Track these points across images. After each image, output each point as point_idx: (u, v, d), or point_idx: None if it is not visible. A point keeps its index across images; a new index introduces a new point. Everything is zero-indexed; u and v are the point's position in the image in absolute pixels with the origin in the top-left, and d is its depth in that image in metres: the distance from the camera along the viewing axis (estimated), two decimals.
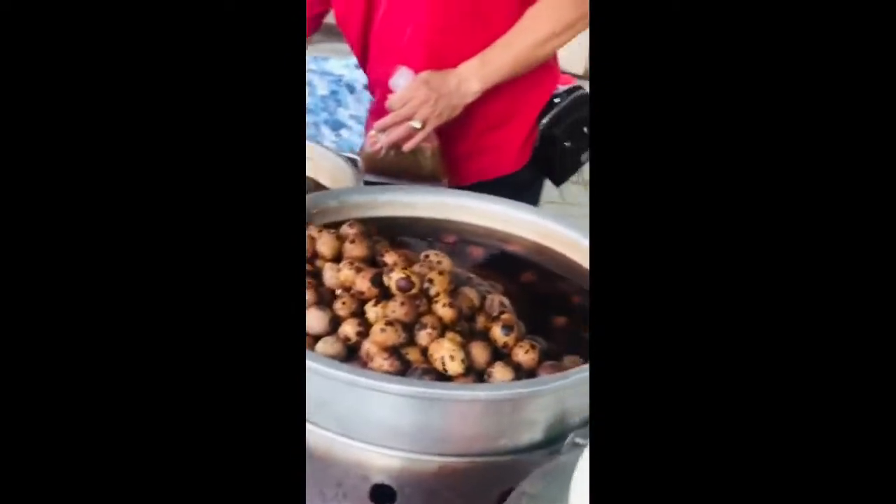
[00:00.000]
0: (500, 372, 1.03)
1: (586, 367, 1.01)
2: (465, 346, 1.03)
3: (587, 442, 1.07)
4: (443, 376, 1.01)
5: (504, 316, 1.08)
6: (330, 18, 1.92)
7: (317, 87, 3.41)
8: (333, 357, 1.02)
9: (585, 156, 1.90)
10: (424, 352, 1.02)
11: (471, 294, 1.11)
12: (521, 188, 1.78)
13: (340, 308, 1.07)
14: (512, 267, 1.30)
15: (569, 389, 1.01)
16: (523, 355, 1.05)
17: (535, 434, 1.04)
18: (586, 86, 1.86)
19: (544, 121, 1.83)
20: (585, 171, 1.85)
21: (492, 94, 1.70)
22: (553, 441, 1.05)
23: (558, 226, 1.32)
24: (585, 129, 1.84)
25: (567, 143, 1.83)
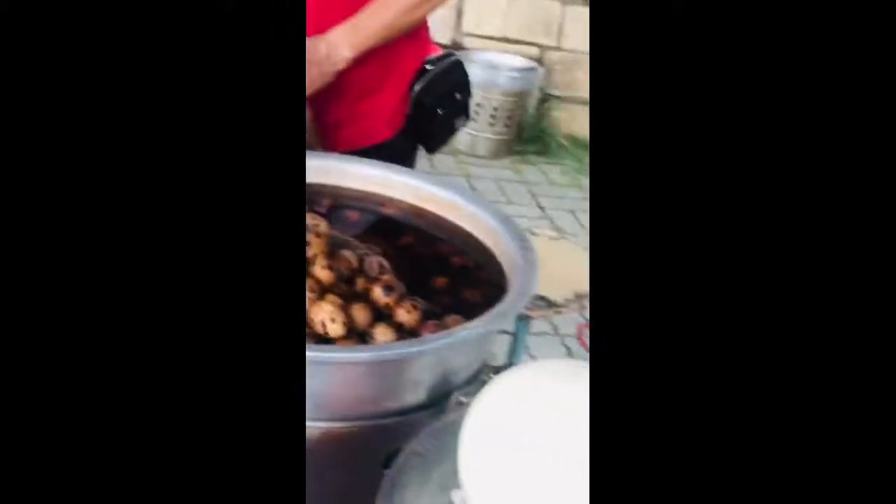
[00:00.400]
0: (382, 333, 1.01)
1: (470, 324, 1.01)
2: (345, 309, 1.00)
3: (470, 400, 1.06)
4: (323, 339, 0.99)
5: (384, 277, 1.06)
6: None
7: None
8: None
9: (459, 122, 1.89)
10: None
11: (349, 256, 1.08)
12: (395, 156, 1.76)
13: None
14: (390, 230, 1.28)
15: (452, 348, 1.00)
16: (405, 315, 1.04)
17: (419, 395, 1.03)
18: (460, 55, 1.86)
19: (417, 88, 1.81)
20: (458, 139, 1.85)
21: (363, 61, 1.67)
22: (437, 401, 1.04)
23: (436, 188, 1.31)
24: (458, 96, 1.83)
25: (440, 111, 1.82)
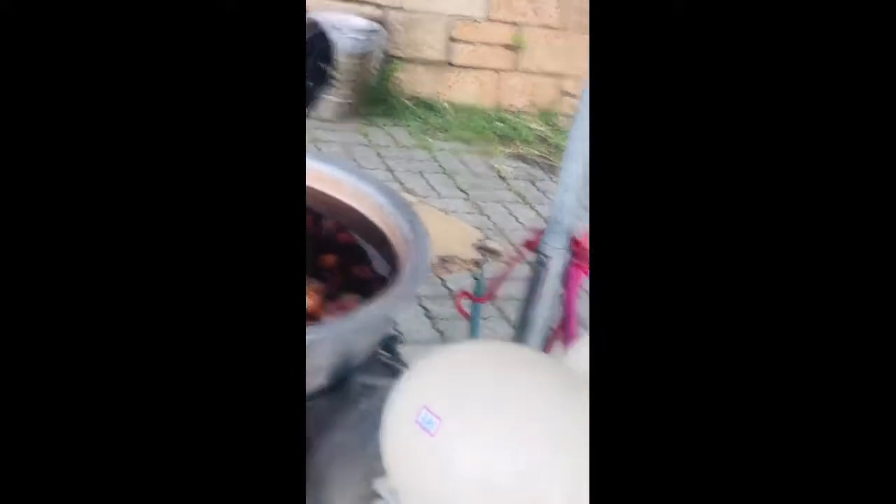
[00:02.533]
0: None
1: (372, 306, 0.98)
2: None
3: (372, 382, 1.05)
4: None
5: None
6: None
7: None
8: None
9: (325, 91, 1.85)
10: None
11: None
12: None
13: None
14: None
15: (355, 331, 0.98)
16: (307, 300, 1.00)
17: (320, 380, 1.01)
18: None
19: None
20: (321, 108, 1.80)
21: None
22: (338, 385, 1.02)
23: (319, 164, 1.27)
24: (323, 66, 1.79)
25: (310, 84, 1.77)
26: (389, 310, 1.00)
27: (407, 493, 0.75)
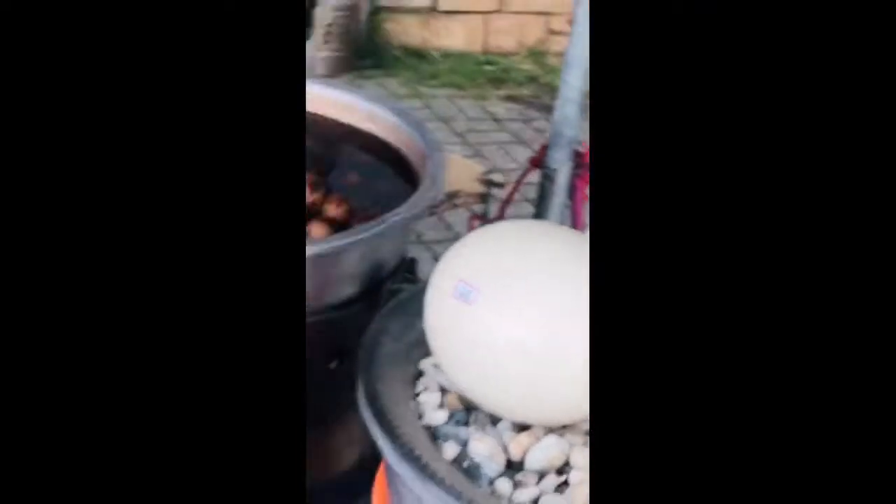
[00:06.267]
0: (316, 228, 1.04)
1: (396, 211, 1.04)
2: None
3: (400, 286, 1.11)
4: None
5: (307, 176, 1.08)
6: None
7: None
8: None
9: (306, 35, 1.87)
10: None
11: None
12: None
13: None
14: None
15: (382, 236, 1.03)
16: (335, 210, 1.07)
17: (354, 287, 1.07)
18: None
19: None
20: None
21: None
22: (371, 293, 1.08)
23: (332, 92, 1.33)
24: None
25: None
26: (410, 215, 1.06)
27: (447, 365, 0.82)
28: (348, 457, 1.19)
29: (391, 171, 1.23)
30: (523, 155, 3.87)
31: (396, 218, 1.03)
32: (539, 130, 3.94)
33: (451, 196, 2.25)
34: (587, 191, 1.55)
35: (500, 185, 1.78)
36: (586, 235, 0.89)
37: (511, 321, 0.77)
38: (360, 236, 1.00)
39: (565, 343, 0.75)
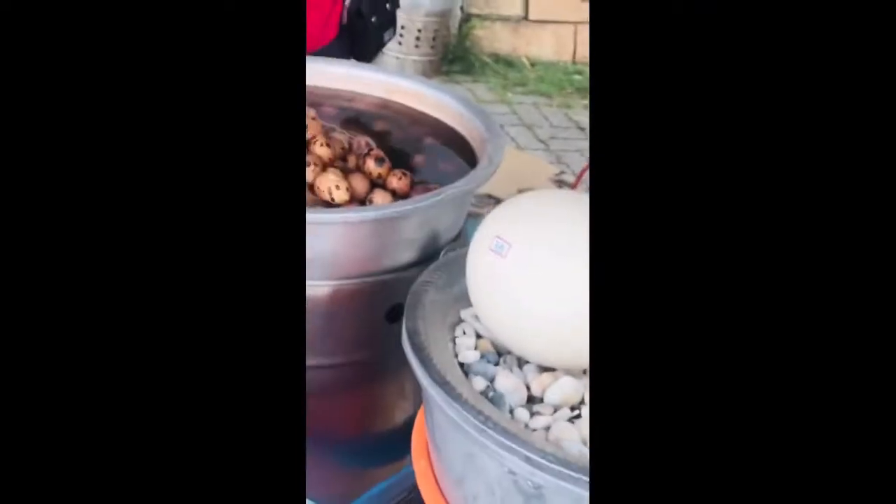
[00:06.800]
0: (379, 197, 1.15)
1: (454, 185, 1.15)
2: (346, 178, 1.14)
3: (455, 252, 1.21)
4: (330, 206, 1.13)
5: (373, 151, 1.20)
6: None
7: None
8: None
9: (388, 35, 1.97)
10: (311, 188, 1.13)
11: (340, 136, 1.22)
12: None
13: None
14: (365, 120, 1.41)
15: (439, 206, 1.15)
16: (397, 182, 1.18)
17: (413, 253, 1.18)
18: None
19: None
20: (386, 63, 1.92)
21: None
22: (428, 258, 1.19)
23: (400, 80, 1.45)
24: (388, 5, 1.92)
25: (373, 19, 1.90)
26: (468, 188, 1.17)
27: (483, 313, 0.93)
28: (400, 413, 1.30)
29: (454, 153, 1.34)
30: None
31: (454, 190, 1.14)
32: None
33: (524, 192, 2.35)
34: None
35: (572, 186, 1.87)
36: None
37: (538, 274, 0.87)
38: (418, 204, 1.11)
39: (584, 297, 0.84)
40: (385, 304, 1.18)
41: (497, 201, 2.32)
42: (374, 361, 1.25)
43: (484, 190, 2.39)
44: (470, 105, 1.38)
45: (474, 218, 2.16)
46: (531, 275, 0.87)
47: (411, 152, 1.33)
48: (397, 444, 1.26)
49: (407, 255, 1.18)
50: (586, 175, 1.85)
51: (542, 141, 3.92)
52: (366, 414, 1.29)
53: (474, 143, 1.33)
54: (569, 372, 0.89)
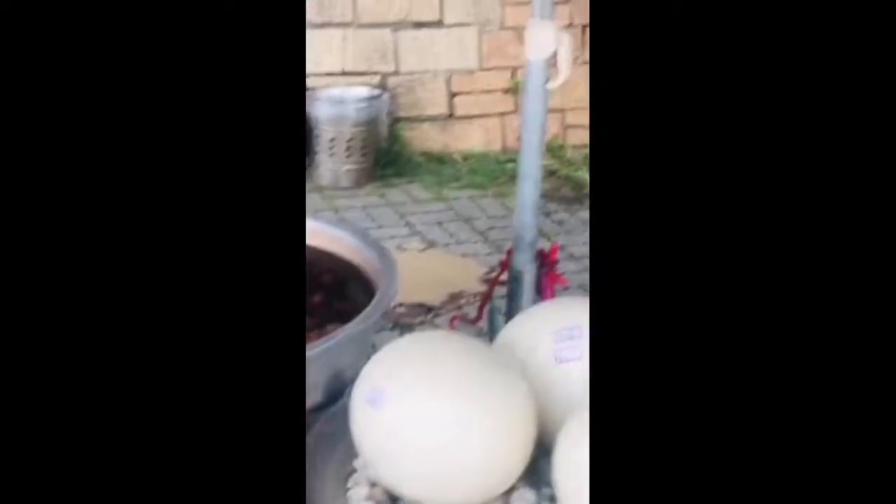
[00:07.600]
0: None
1: (347, 326, 1.18)
2: None
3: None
4: None
5: None
6: None
7: None
8: None
9: (309, 160, 2.00)
10: None
11: None
12: None
13: None
14: None
15: (337, 348, 1.17)
16: None
17: (317, 395, 1.20)
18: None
19: None
20: (321, 175, 1.95)
21: None
22: (333, 400, 1.21)
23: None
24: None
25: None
26: (364, 326, 1.19)
27: (370, 464, 0.95)
28: None
29: (350, 289, 1.37)
30: (545, 248, 3.99)
31: (346, 332, 1.17)
32: (559, 222, 4.06)
33: (455, 297, 2.38)
34: (554, 287, 1.67)
35: (503, 283, 1.90)
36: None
37: (412, 425, 0.89)
38: (312, 352, 1.13)
39: (464, 440, 0.87)
40: None
41: (428, 309, 2.35)
42: None
43: (415, 299, 2.44)
44: (365, 238, 1.43)
45: (407, 328, 2.20)
46: (405, 424, 0.90)
47: (309, 293, 1.36)
48: None
49: (312, 397, 1.20)
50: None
51: (480, 233, 3.97)
52: None
53: (371, 276, 1.37)
54: None
